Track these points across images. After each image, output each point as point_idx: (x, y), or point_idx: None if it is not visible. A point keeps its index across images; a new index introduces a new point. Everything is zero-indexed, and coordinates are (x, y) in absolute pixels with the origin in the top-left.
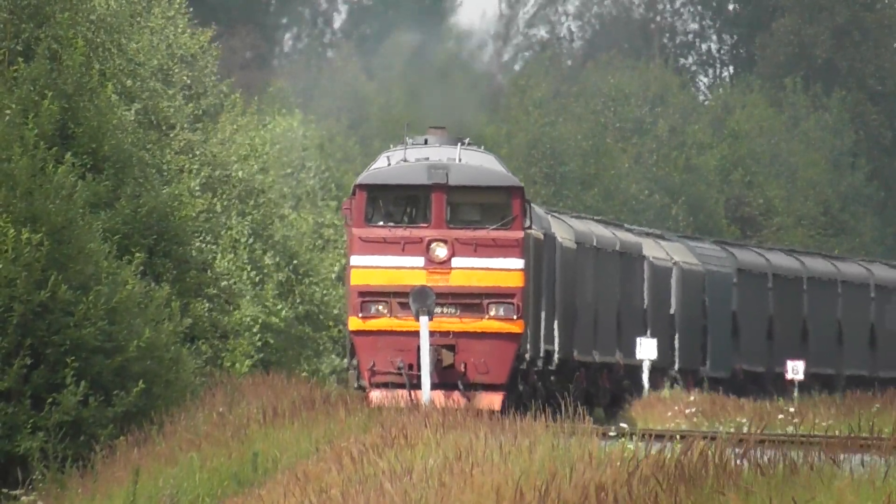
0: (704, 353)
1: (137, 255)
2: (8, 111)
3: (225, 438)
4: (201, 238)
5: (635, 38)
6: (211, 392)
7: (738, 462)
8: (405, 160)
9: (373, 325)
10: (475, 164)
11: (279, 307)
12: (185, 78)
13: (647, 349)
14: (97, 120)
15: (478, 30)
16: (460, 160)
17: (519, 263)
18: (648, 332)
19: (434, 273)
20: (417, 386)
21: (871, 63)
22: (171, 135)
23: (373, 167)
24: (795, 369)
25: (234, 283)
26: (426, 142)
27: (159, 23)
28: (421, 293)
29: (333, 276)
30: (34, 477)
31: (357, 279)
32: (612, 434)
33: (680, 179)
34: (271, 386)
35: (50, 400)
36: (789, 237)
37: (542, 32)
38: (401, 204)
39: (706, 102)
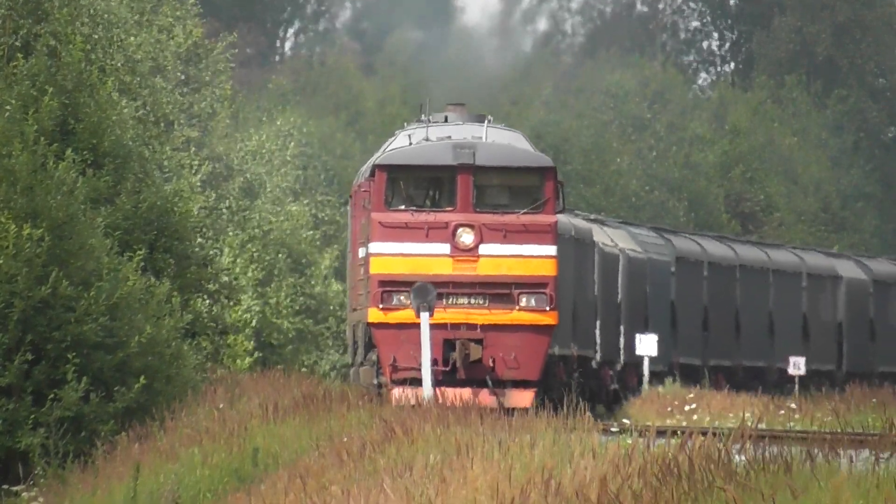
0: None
1: (138, 250)
2: (8, 107)
3: (226, 434)
4: (202, 233)
5: (637, 36)
6: (211, 388)
7: (737, 457)
8: (427, 139)
9: (394, 317)
10: (503, 142)
11: (284, 302)
12: (179, 74)
13: (647, 345)
14: (97, 116)
15: (480, 27)
16: (487, 139)
17: (552, 250)
18: (598, 322)
19: (460, 261)
20: (443, 383)
21: (872, 60)
22: (171, 131)
23: (392, 146)
24: (797, 365)
25: (235, 278)
26: (446, 119)
27: (168, 21)
28: (421, 289)
29: (331, 271)
30: (35, 473)
31: (377, 268)
32: (613, 430)
33: (680, 175)
34: (272, 382)
35: (51, 396)
36: (790, 233)
37: (543, 26)
38: (423, 186)
39: (707, 98)
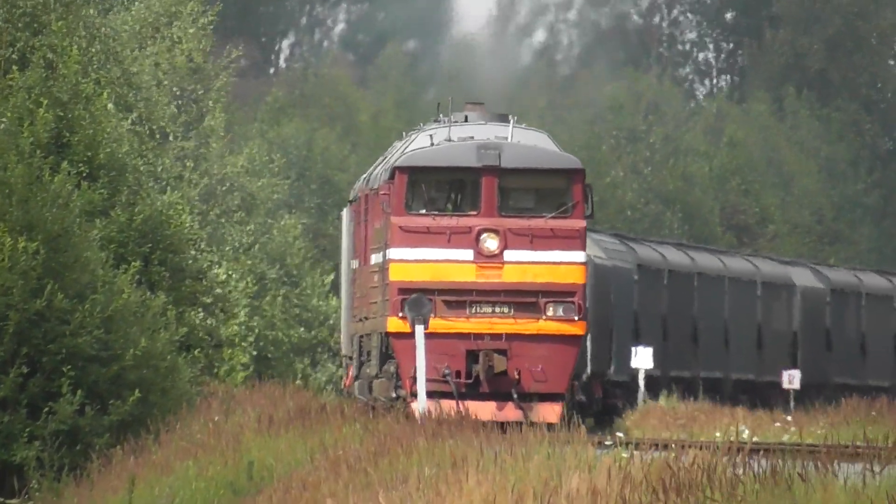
0: (610, 355)
1: (133, 263)
2: (3, 119)
3: (220, 447)
4: (196, 246)
5: (632, 48)
6: (206, 401)
7: (733, 470)
8: (450, 139)
9: None
10: (529, 143)
11: (278, 315)
12: (174, 90)
13: (642, 358)
14: (92, 128)
15: (476, 38)
16: (512, 139)
17: (581, 257)
18: None
19: (484, 268)
20: (466, 396)
21: (866, 72)
22: (167, 144)
23: (411, 147)
24: (791, 378)
25: (230, 291)
26: (466, 118)
27: (180, 34)
28: (416, 301)
29: (327, 287)
30: (30, 486)
31: (397, 274)
32: (607, 443)
33: (675, 187)
34: (267, 395)
35: (46, 409)
36: (784, 246)
37: (540, 38)
38: (445, 189)
39: (702, 108)
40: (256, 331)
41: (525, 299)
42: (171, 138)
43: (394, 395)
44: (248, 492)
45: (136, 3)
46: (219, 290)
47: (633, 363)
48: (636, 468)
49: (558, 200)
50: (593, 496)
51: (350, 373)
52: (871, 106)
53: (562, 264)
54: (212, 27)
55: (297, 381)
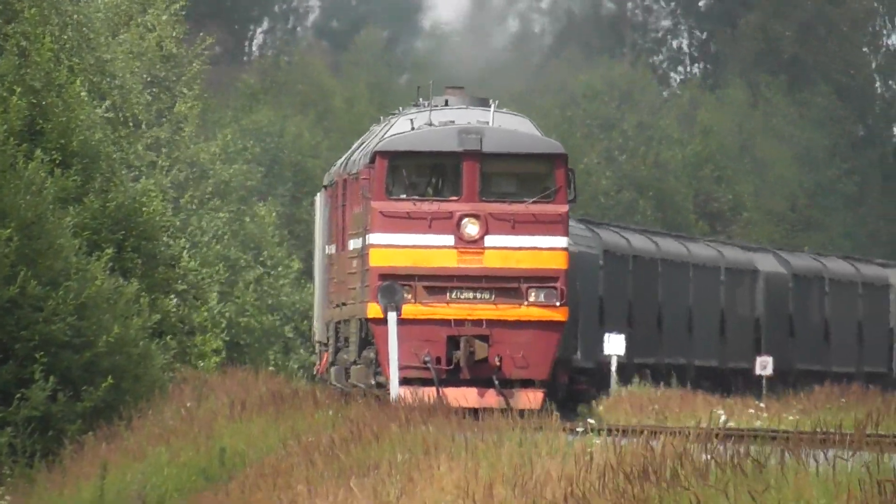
0: (576, 342)
1: (106, 250)
2: None
3: (193, 433)
4: (169, 233)
5: (606, 36)
6: (179, 387)
7: (704, 456)
8: (431, 123)
9: None
10: (510, 127)
11: (250, 301)
12: (145, 76)
13: (614, 345)
14: (66, 116)
15: (450, 25)
16: (494, 123)
17: (563, 242)
18: None
19: (465, 253)
20: (447, 382)
21: (838, 58)
22: (141, 131)
23: (391, 131)
24: (764, 365)
25: (202, 279)
26: (446, 103)
27: (155, 21)
28: (389, 289)
29: (295, 273)
30: (2, 472)
31: (377, 260)
32: (578, 430)
33: (648, 174)
34: (239, 381)
35: (18, 395)
36: (757, 233)
37: (513, 27)
38: (426, 174)
39: (676, 95)
40: (228, 317)
41: (506, 285)
42: (144, 126)
43: (373, 381)
44: (221, 478)
45: None
46: (191, 277)
47: (606, 350)
48: (609, 454)
49: (540, 185)
50: (566, 482)
51: (324, 359)
52: (845, 92)
53: (544, 249)
54: (184, 13)
55: (270, 368)
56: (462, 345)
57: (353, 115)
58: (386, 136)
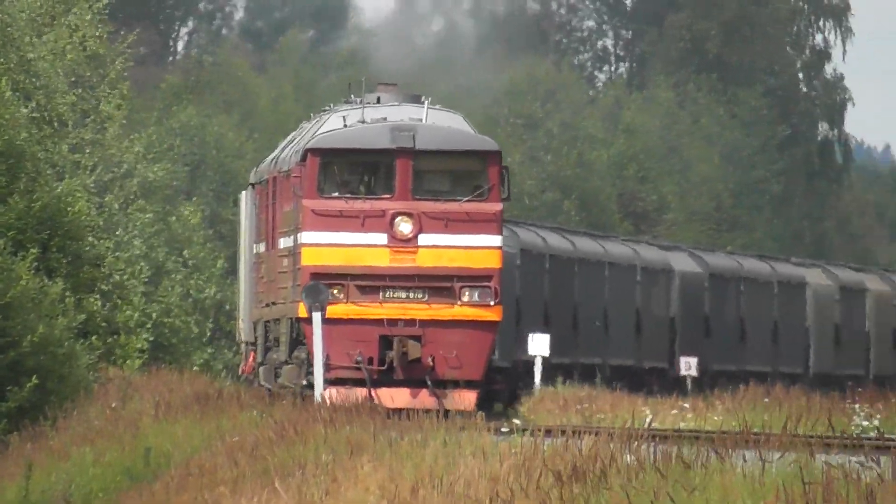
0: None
1: (31, 250)
2: None
3: (118, 433)
4: (94, 234)
5: (531, 36)
6: (104, 387)
7: (628, 456)
8: (363, 120)
9: (327, 312)
10: (444, 124)
11: (175, 301)
12: (70, 77)
13: (539, 345)
14: None
15: (376, 27)
16: (427, 120)
17: (497, 241)
18: None
19: (398, 252)
20: (379, 382)
21: (762, 58)
22: (66, 131)
23: (322, 129)
24: (689, 365)
25: (127, 279)
26: (378, 100)
27: (78, 21)
28: (313, 288)
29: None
30: None
31: (308, 259)
32: (503, 430)
33: (573, 174)
34: (164, 381)
35: None
36: (682, 233)
37: (437, 27)
38: (358, 171)
39: (601, 95)
40: (153, 317)
41: (440, 284)
42: (69, 126)
43: (304, 381)
44: (146, 478)
45: None
46: (116, 278)
47: (531, 350)
48: (534, 454)
49: (474, 183)
50: (491, 482)
51: (251, 359)
52: (769, 92)
53: (478, 248)
54: (107, 13)
55: (195, 368)
56: (395, 345)
57: (278, 114)
58: (318, 133)
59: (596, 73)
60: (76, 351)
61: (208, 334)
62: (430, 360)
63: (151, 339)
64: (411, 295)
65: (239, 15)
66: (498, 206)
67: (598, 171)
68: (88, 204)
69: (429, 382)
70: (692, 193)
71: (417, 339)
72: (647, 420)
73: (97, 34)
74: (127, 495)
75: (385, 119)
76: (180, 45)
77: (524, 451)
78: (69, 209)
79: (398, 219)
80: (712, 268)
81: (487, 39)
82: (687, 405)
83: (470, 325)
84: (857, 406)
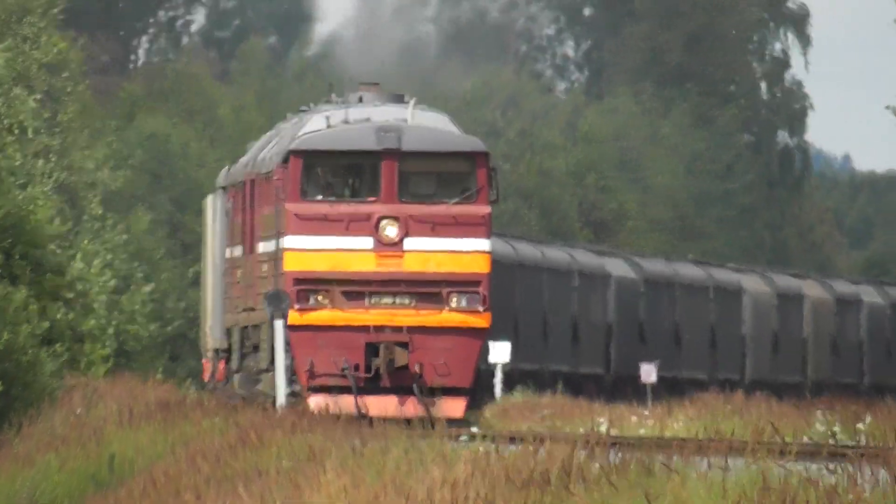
0: None
1: None
2: None
3: (82, 440)
4: (57, 242)
5: (490, 44)
6: (68, 394)
7: (589, 462)
8: (347, 121)
9: (312, 318)
10: (429, 125)
11: (139, 309)
12: (43, 84)
13: (500, 352)
14: None
15: (339, 33)
16: (412, 121)
17: (485, 245)
18: None
19: (384, 256)
20: (366, 390)
21: (723, 68)
22: (27, 139)
23: (305, 130)
24: (648, 373)
25: (90, 288)
26: (360, 99)
27: (31, 31)
28: (275, 296)
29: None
30: None
31: (292, 264)
32: (463, 438)
33: (533, 183)
34: (128, 388)
35: None
36: (642, 241)
37: (400, 34)
38: (343, 174)
39: (560, 103)
40: (115, 324)
41: (427, 289)
42: (30, 134)
43: (288, 390)
44: (110, 484)
45: None
46: (80, 287)
47: (492, 357)
48: (494, 462)
49: (461, 185)
50: (453, 490)
51: (221, 366)
52: (730, 101)
53: (465, 252)
54: (62, 17)
55: (158, 376)
56: (381, 352)
57: (241, 123)
58: (299, 134)
59: (556, 81)
60: (40, 358)
61: (175, 340)
62: (417, 367)
63: (115, 346)
64: (398, 301)
65: (200, 23)
66: (486, 209)
67: (558, 180)
68: (52, 212)
69: (416, 390)
70: (652, 202)
71: (404, 345)
72: (606, 427)
73: (52, 41)
74: (92, 501)
75: (369, 119)
76: (141, 53)
77: (486, 458)
78: (32, 217)
79: (384, 222)
80: (647, 273)
81: (449, 48)
82: (647, 412)
83: (458, 332)
84: (818, 412)
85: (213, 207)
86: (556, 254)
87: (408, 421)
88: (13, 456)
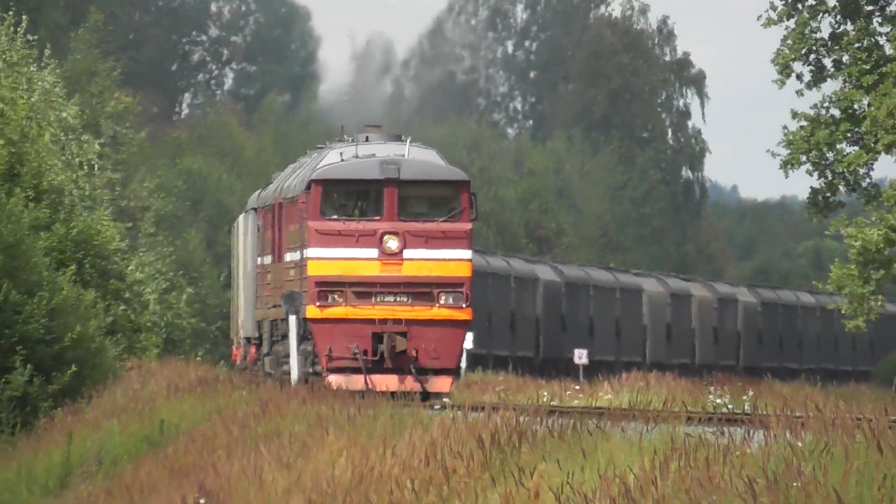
0: None
1: (70, 267)
2: None
3: (139, 409)
4: (118, 254)
5: (458, 100)
6: (127, 374)
7: (535, 426)
8: (357, 156)
9: (329, 313)
10: (423, 158)
11: (183, 310)
12: (110, 131)
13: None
14: (37, 161)
15: (335, 91)
16: (409, 156)
17: (467, 254)
18: None
19: (387, 264)
20: (373, 370)
21: (639, 117)
22: (92, 173)
23: (323, 162)
24: (580, 356)
25: (144, 290)
26: (367, 139)
27: (98, 89)
28: (289, 296)
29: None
30: None
31: (314, 270)
32: (436, 407)
33: (490, 209)
34: (174, 369)
35: (2, 380)
36: (575, 254)
37: (387, 91)
38: (354, 198)
39: (511, 145)
40: (164, 319)
41: (421, 290)
42: (96, 170)
43: (310, 370)
44: (160, 444)
45: (61, 63)
46: (136, 289)
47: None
48: (461, 426)
49: (448, 206)
50: (428, 447)
51: (253, 351)
52: (644, 144)
53: (451, 260)
54: (122, 78)
55: (197, 359)
56: (385, 339)
57: (260, 161)
58: (318, 166)
59: (507, 128)
60: (105, 345)
61: (216, 335)
62: (413, 351)
63: (164, 336)
64: (398, 299)
65: (229, 83)
66: (468, 226)
67: (509, 206)
68: (114, 230)
69: (413, 370)
70: (584, 223)
71: (403, 334)
72: (548, 398)
73: (115, 96)
74: (145, 457)
75: (374, 155)
76: (184, 107)
77: (454, 423)
78: (99, 235)
79: (386, 236)
80: (567, 277)
81: (425, 102)
82: (578, 387)
83: (446, 324)
84: (712, 388)
85: (245, 225)
86: (498, 262)
87: (392, 394)
88: (85, 422)
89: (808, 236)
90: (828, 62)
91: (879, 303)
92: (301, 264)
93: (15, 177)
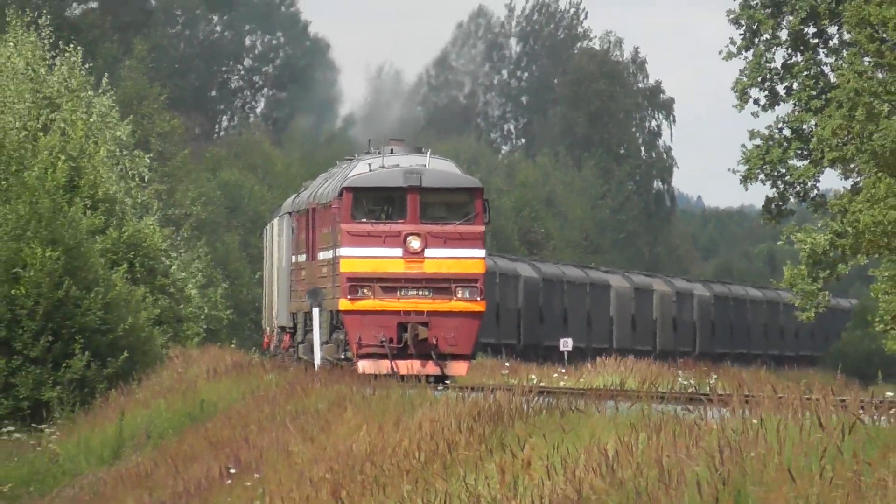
0: None
1: (122, 266)
2: (35, 169)
3: (182, 389)
4: (164, 254)
5: (460, 121)
6: (172, 359)
7: (526, 405)
8: (383, 166)
9: (360, 305)
10: (441, 168)
11: (220, 303)
12: (158, 147)
13: None
14: (94, 174)
15: (356, 112)
16: (429, 166)
17: (481, 253)
18: None
19: (410, 262)
20: (398, 356)
21: (616, 136)
22: (142, 185)
23: (353, 172)
24: (566, 343)
25: (186, 285)
26: (391, 151)
27: (147, 111)
28: (313, 292)
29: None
30: (54, 416)
31: (346, 267)
32: (440, 388)
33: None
34: (213, 355)
35: (64, 364)
36: (561, 254)
37: (397, 112)
38: (381, 203)
39: (505, 161)
40: (205, 311)
41: (441, 285)
42: (146, 181)
43: (342, 356)
44: (201, 419)
45: (115, 89)
46: (179, 285)
47: None
48: (462, 404)
49: (464, 211)
50: (433, 423)
51: (287, 339)
52: (621, 160)
53: (467, 259)
54: (168, 101)
55: (233, 346)
56: (409, 329)
57: (288, 175)
58: (349, 175)
59: (503, 146)
60: (153, 334)
61: (249, 325)
62: (434, 339)
63: (205, 326)
64: (420, 293)
65: (262, 107)
66: (482, 228)
67: (504, 213)
68: (161, 234)
69: (433, 356)
70: (568, 228)
71: (425, 325)
72: (537, 380)
73: (166, 120)
74: (188, 431)
75: (398, 165)
76: (222, 127)
77: (456, 402)
78: (147, 238)
79: (410, 237)
80: (545, 274)
81: (431, 122)
82: (563, 370)
83: (463, 315)
84: (679, 371)
85: (280, 226)
86: (486, 261)
87: (402, 377)
88: (135, 401)
89: (764, 240)
90: (780, 89)
91: (827, 298)
92: (334, 262)
93: (75, 188)
